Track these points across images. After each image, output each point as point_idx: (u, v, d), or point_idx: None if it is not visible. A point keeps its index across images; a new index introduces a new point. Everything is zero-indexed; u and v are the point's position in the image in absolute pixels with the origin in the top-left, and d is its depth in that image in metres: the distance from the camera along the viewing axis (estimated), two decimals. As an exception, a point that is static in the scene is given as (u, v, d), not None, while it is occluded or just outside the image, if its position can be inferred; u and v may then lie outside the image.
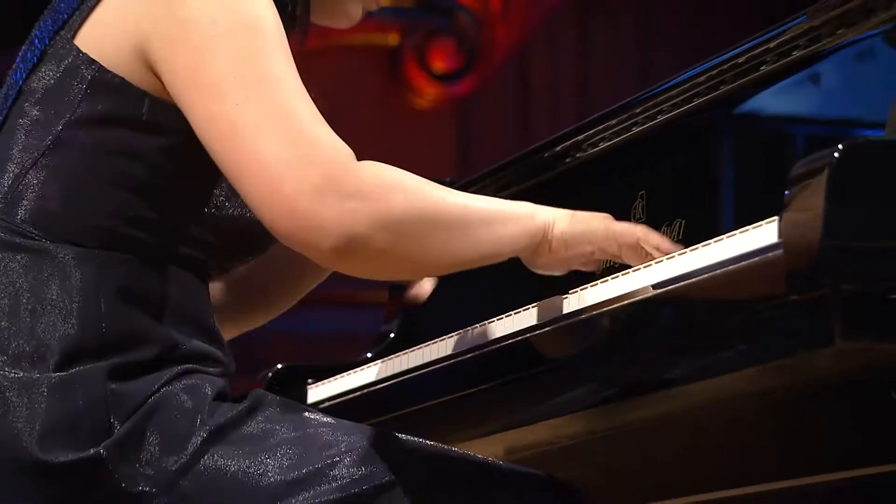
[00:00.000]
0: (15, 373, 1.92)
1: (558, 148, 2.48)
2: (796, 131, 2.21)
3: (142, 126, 1.98)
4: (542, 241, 2.07)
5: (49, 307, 1.95)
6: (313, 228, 1.92)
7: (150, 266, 2.00)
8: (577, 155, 2.46)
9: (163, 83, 1.98)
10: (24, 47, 2.08)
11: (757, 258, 1.79)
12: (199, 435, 1.93)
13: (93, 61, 1.99)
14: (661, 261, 1.97)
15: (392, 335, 2.77)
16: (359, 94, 7.58)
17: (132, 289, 1.97)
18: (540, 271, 2.13)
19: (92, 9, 2.02)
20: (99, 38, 2.01)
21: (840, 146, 1.72)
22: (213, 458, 1.93)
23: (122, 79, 1.98)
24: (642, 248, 2.06)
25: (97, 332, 1.94)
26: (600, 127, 2.40)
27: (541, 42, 7.69)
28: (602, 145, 2.42)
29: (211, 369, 2.02)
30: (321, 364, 2.66)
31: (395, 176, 1.98)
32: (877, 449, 2.00)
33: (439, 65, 7.59)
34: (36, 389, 1.91)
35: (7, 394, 1.91)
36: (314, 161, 1.91)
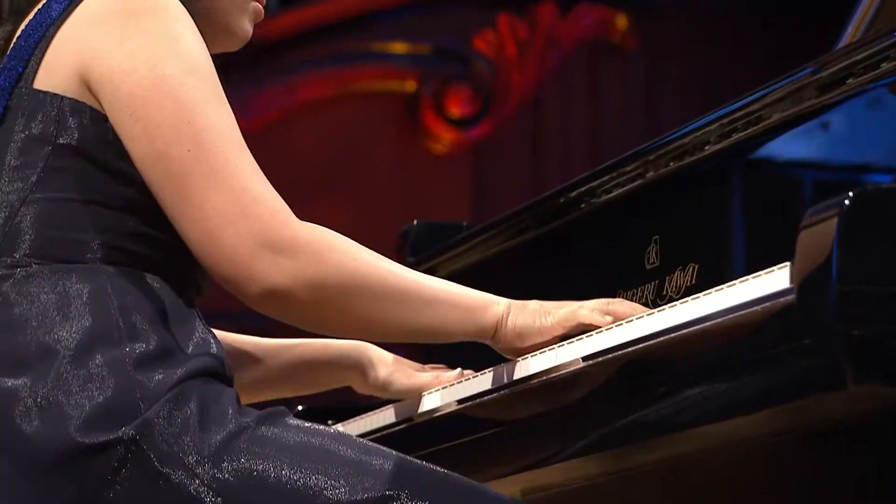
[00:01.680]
0: (40, 383, 1.94)
1: (573, 193, 2.47)
2: (806, 177, 2.21)
3: (112, 148, 2.02)
4: (495, 333, 2.14)
5: (62, 315, 1.98)
6: (245, 277, 2.01)
7: (153, 276, 2.03)
8: (592, 200, 2.45)
9: (101, 105, 2.02)
10: None
11: (770, 303, 1.78)
12: (232, 422, 1.95)
13: (55, 95, 2.03)
14: (676, 305, 1.96)
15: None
16: (377, 139, 7.59)
17: (136, 293, 2.01)
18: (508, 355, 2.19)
19: (42, 55, 2.06)
20: (51, 75, 2.04)
21: (850, 194, 1.71)
22: (249, 445, 1.94)
23: (83, 103, 2.03)
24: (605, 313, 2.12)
25: (111, 323, 1.97)
26: (614, 173, 2.40)
27: (554, 88, 7.69)
28: (616, 191, 2.41)
29: (223, 373, 2.03)
30: (340, 406, 2.66)
31: (330, 240, 2.05)
32: (893, 490, 1.98)
33: (455, 110, 7.60)
34: (65, 386, 1.93)
35: (39, 396, 1.93)
36: (254, 216, 2.00)
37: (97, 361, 1.95)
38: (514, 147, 7.66)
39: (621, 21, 7.67)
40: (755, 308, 1.80)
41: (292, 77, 7.59)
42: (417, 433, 2.36)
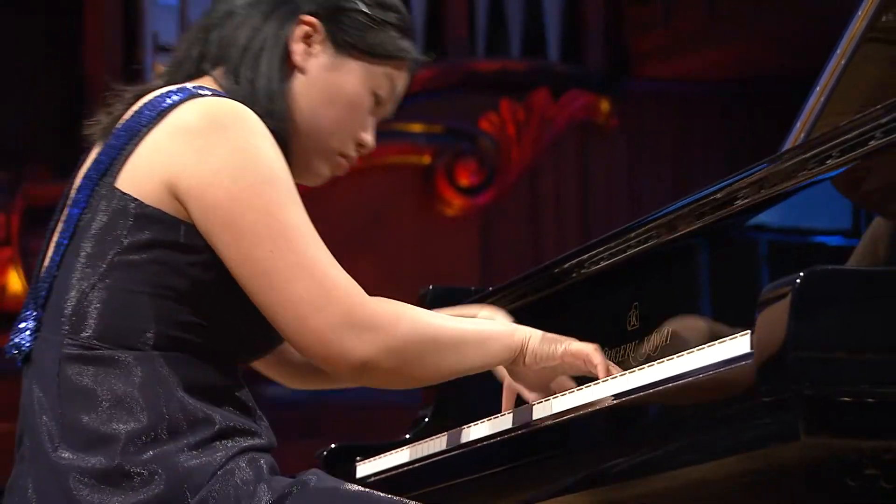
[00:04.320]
0: (94, 462, 1.90)
1: (566, 265, 2.46)
2: (763, 253, 2.20)
3: (180, 248, 1.97)
4: (518, 355, 2.10)
5: (117, 403, 1.93)
6: (336, 355, 1.97)
7: (196, 361, 1.98)
8: (581, 271, 2.44)
9: (188, 213, 1.97)
10: (73, 193, 2.05)
11: (733, 365, 1.78)
12: (265, 498, 1.91)
13: (134, 199, 1.97)
14: (653, 364, 1.95)
15: (427, 420, 2.74)
16: (398, 204, 7.60)
17: (184, 379, 1.95)
18: (519, 383, 2.18)
19: (128, 156, 1.99)
20: (135, 179, 1.98)
21: (801, 274, 1.70)
22: None
23: (161, 210, 1.96)
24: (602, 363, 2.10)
25: (161, 420, 1.92)
26: (601, 248, 2.39)
27: (548, 161, 7.71)
28: (603, 263, 2.40)
29: (260, 442, 1.99)
30: (368, 444, 2.64)
31: (398, 310, 2.01)
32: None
33: (465, 180, 7.61)
34: (119, 477, 1.89)
35: (85, 482, 1.89)
36: (334, 301, 1.95)
37: (148, 456, 1.90)
38: (514, 210, 7.67)
39: (605, 105, 7.69)
40: (722, 369, 1.79)
41: (325, 152, 7.61)
42: (441, 465, 2.33)
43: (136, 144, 1.99)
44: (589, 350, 2.11)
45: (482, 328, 2.11)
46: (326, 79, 2.10)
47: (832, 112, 2.72)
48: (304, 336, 1.96)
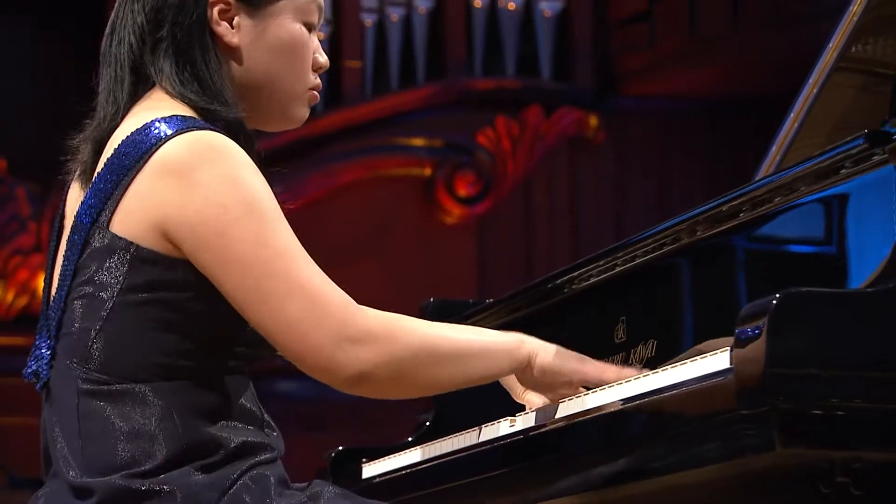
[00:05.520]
0: (119, 482, 1.87)
1: (558, 281, 2.45)
2: (742, 271, 2.19)
3: (178, 286, 1.90)
4: (525, 367, 2.02)
5: (135, 435, 1.89)
6: (333, 368, 1.89)
7: (204, 384, 1.92)
8: (573, 286, 2.44)
9: (182, 251, 1.90)
10: (66, 232, 1.97)
11: (714, 380, 1.77)
12: None
13: (130, 242, 1.89)
14: (640, 377, 1.95)
15: (428, 424, 2.74)
16: (401, 213, 7.59)
17: (196, 406, 1.91)
18: (525, 389, 2.10)
19: (118, 201, 1.91)
20: (128, 222, 1.91)
21: (778, 295, 1.70)
22: None
23: (155, 252, 1.90)
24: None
25: (179, 448, 1.88)
26: (591, 265, 2.38)
27: (541, 173, 7.71)
28: (592, 279, 2.39)
29: (268, 455, 1.94)
30: (373, 447, 2.63)
31: (394, 322, 1.93)
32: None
33: (463, 191, 7.60)
34: (136, 498, 1.87)
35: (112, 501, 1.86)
36: (329, 316, 1.88)
37: (163, 478, 1.87)
38: (509, 219, 7.67)
39: (593, 121, 7.69)
40: (703, 383, 1.79)
41: (332, 165, 7.61)
42: (443, 468, 2.32)
43: (126, 188, 1.90)
44: (605, 379, 2.01)
45: (485, 339, 2.00)
46: (260, 40, 2.01)
47: (805, 136, 2.72)
48: (302, 352, 1.89)
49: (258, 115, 2.03)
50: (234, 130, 1.95)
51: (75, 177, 2.02)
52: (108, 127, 1.98)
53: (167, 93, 1.97)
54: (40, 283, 7.58)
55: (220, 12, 1.99)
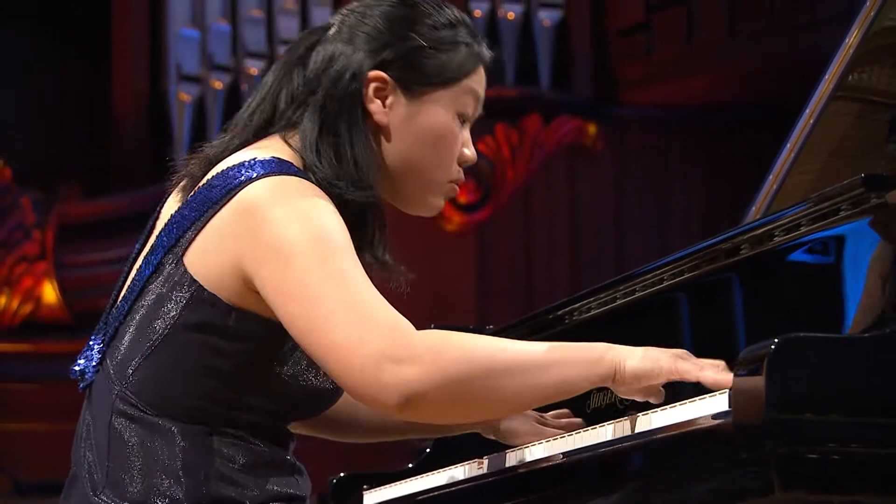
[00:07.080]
0: None
1: (559, 312, 2.44)
2: (739, 305, 2.19)
3: (228, 333, 1.88)
4: (613, 377, 1.88)
5: (160, 471, 1.88)
6: (378, 391, 1.80)
7: (238, 432, 1.91)
8: (574, 317, 2.43)
9: (257, 292, 1.88)
10: (146, 252, 1.97)
11: (712, 422, 1.75)
12: None
13: (195, 281, 1.89)
14: (648, 413, 1.91)
15: (427, 450, 2.72)
16: (403, 220, 7.57)
17: (224, 454, 1.89)
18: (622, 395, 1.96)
19: (197, 233, 1.90)
20: (202, 259, 1.90)
21: (776, 340, 1.69)
22: None
23: (216, 296, 1.88)
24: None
25: (201, 493, 1.87)
26: (591, 298, 2.37)
27: (540, 181, 7.70)
28: (592, 311, 2.38)
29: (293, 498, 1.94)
30: (374, 473, 2.61)
31: (444, 338, 1.83)
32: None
33: (463, 198, 7.60)
34: None
35: None
36: (372, 336, 1.80)
37: None
38: (508, 225, 7.66)
39: (592, 129, 7.68)
40: (702, 425, 1.77)
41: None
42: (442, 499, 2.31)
43: (206, 222, 1.89)
44: (698, 373, 1.86)
45: (554, 352, 1.87)
46: (411, 124, 1.95)
47: (803, 162, 2.71)
48: (349, 377, 1.81)
49: (393, 194, 2.00)
50: (354, 206, 1.91)
51: (178, 187, 1.99)
52: (222, 151, 1.96)
53: (287, 142, 1.94)
54: (45, 290, 7.61)
55: (375, 90, 1.96)
